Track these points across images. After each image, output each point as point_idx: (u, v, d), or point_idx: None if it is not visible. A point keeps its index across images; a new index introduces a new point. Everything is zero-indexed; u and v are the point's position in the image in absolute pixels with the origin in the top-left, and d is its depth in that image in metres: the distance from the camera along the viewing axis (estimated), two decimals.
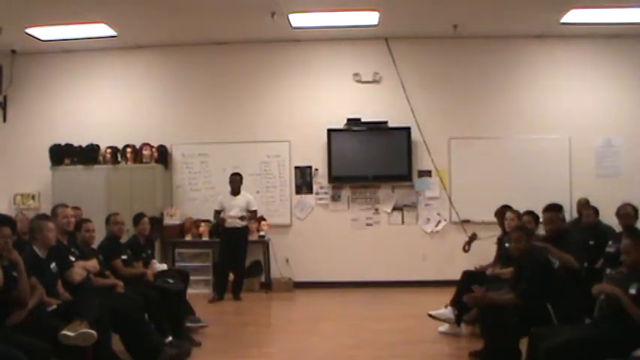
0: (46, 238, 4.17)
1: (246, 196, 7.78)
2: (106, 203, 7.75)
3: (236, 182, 7.76)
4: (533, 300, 4.19)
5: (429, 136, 8.32)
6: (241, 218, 7.63)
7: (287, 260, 8.36)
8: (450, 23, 7.72)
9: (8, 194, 8.56)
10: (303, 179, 8.50)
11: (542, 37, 8.24)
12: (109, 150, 8.29)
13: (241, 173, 7.89)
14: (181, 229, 8.28)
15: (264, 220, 8.27)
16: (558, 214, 5.07)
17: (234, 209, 7.65)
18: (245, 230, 7.77)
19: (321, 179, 8.46)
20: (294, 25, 7.65)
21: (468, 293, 4.86)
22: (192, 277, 6.77)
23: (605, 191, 7.57)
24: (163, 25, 7.65)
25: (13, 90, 8.67)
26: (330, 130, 8.28)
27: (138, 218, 5.89)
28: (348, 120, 8.29)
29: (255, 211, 7.83)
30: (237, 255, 7.73)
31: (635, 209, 5.63)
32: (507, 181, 8.07)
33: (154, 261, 6.03)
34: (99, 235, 5.40)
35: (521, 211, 5.82)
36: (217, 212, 7.78)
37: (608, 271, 4.75)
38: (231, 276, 7.75)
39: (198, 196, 8.49)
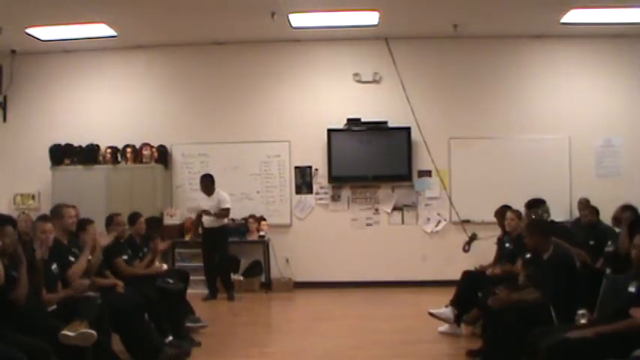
0: (40, 239, 4.15)
1: (218, 195, 7.70)
2: (106, 203, 7.74)
3: (203, 185, 7.73)
4: (561, 300, 4.17)
5: (429, 136, 8.32)
6: (205, 212, 7.58)
7: (287, 260, 8.36)
8: (450, 23, 7.72)
9: (8, 194, 8.56)
10: (303, 179, 8.50)
11: (542, 37, 8.24)
12: (109, 150, 8.30)
13: (212, 174, 7.79)
14: (181, 229, 8.28)
15: (264, 220, 8.28)
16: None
17: (209, 209, 7.64)
18: (221, 230, 7.70)
19: (321, 179, 8.46)
20: (294, 25, 7.64)
21: (493, 296, 4.70)
22: (192, 277, 6.75)
23: (605, 191, 7.57)
24: (163, 25, 7.65)
25: (13, 90, 8.67)
26: (330, 130, 8.28)
27: (134, 218, 5.89)
28: (348, 120, 8.29)
29: (226, 209, 7.69)
30: (216, 255, 7.69)
31: (628, 209, 5.57)
32: (507, 181, 8.07)
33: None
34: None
35: (522, 211, 5.84)
36: (198, 214, 7.79)
37: (608, 271, 4.76)
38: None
39: (198, 196, 8.44)
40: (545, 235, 4.47)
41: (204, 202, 7.71)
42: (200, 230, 7.94)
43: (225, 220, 7.79)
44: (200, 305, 6.36)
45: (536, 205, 5.60)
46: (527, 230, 4.69)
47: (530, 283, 4.64)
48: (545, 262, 4.41)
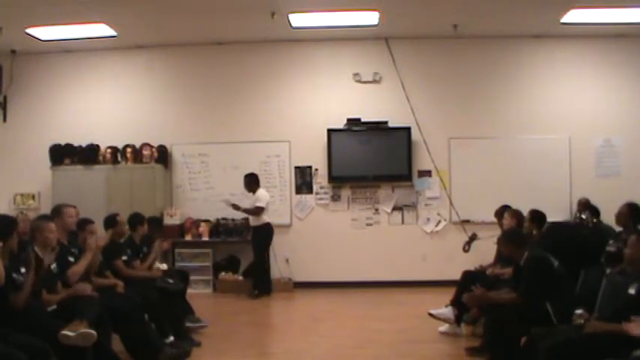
0: (47, 239, 4.17)
1: (256, 194, 7.87)
2: (106, 203, 7.72)
3: (245, 184, 7.92)
4: (534, 299, 4.21)
5: (429, 136, 8.32)
6: (234, 206, 7.76)
7: (287, 260, 8.35)
8: (450, 23, 7.72)
9: (8, 194, 8.56)
10: (303, 179, 8.50)
11: (542, 37, 8.24)
12: (109, 150, 8.29)
13: (256, 173, 8.02)
14: (181, 229, 8.29)
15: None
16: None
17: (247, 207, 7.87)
18: (260, 228, 7.84)
19: (321, 179, 8.46)
20: (294, 25, 7.64)
21: (468, 293, 4.89)
22: (192, 277, 6.79)
23: (605, 191, 7.57)
24: (163, 25, 7.65)
25: (13, 90, 8.66)
26: (330, 130, 8.28)
27: (138, 221, 5.88)
28: (348, 120, 8.29)
29: (258, 207, 7.81)
30: (254, 252, 7.93)
31: (631, 208, 5.57)
32: (507, 181, 8.08)
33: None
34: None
35: (524, 211, 5.85)
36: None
37: (608, 270, 4.75)
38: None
39: (198, 196, 8.49)
40: (518, 245, 4.59)
41: (246, 200, 7.92)
42: None
43: (266, 219, 7.87)
44: (200, 305, 6.35)
45: (587, 207, 6.16)
46: (503, 239, 4.84)
47: (509, 284, 4.72)
48: (522, 266, 4.50)
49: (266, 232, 7.91)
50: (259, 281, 7.87)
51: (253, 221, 7.89)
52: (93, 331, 3.74)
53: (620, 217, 5.54)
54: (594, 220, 6.30)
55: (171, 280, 5.60)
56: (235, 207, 7.81)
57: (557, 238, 5.29)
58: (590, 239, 5.75)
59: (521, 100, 8.36)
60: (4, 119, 8.70)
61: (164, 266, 6.23)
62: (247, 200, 7.93)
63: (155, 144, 8.36)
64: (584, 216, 6.58)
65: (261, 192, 7.91)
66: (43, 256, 4.11)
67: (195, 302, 6.07)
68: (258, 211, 7.81)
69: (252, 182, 7.92)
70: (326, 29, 7.94)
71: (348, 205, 8.46)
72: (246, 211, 7.84)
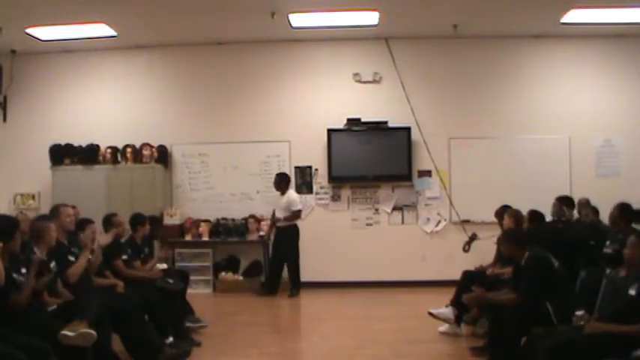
0: (52, 239, 4.18)
1: (288, 196, 7.92)
2: (106, 203, 7.71)
3: (275, 183, 7.98)
4: (535, 299, 4.21)
5: (429, 136, 8.32)
6: (276, 220, 7.91)
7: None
8: (450, 23, 7.72)
9: (8, 194, 8.55)
10: (303, 179, 8.51)
11: (542, 37, 8.24)
12: (109, 150, 8.29)
13: (287, 173, 8.13)
14: (181, 229, 8.29)
15: (264, 220, 8.28)
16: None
17: (278, 209, 7.92)
18: (289, 229, 7.90)
19: (321, 179, 8.46)
20: (294, 25, 7.65)
21: (468, 293, 4.89)
22: (192, 277, 6.79)
23: (605, 191, 7.55)
24: (163, 25, 7.65)
25: (13, 90, 8.66)
26: (330, 130, 8.28)
27: (140, 221, 5.88)
28: (348, 120, 8.29)
29: (297, 211, 7.90)
30: (285, 253, 7.91)
31: (622, 209, 5.56)
32: (507, 181, 8.08)
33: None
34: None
35: (524, 211, 5.84)
36: (273, 211, 8.05)
37: (608, 271, 4.75)
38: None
39: (198, 196, 8.49)
40: (518, 245, 4.57)
41: (277, 201, 7.98)
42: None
43: (295, 220, 7.98)
44: (200, 305, 6.35)
45: (565, 202, 6.18)
46: (503, 239, 4.84)
47: (509, 285, 4.72)
48: (522, 266, 4.50)
49: (295, 233, 7.97)
50: (297, 279, 7.94)
51: (282, 222, 7.91)
52: (93, 331, 3.74)
53: (612, 219, 5.53)
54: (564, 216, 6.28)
55: (171, 280, 5.60)
56: (277, 220, 7.92)
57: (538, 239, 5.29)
58: (565, 235, 5.76)
59: (521, 100, 8.36)
60: (4, 119, 8.70)
61: (164, 266, 6.22)
62: (278, 200, 7.96)
63: (155, 144, 8.36)
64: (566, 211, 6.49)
65: (292, 194, 7.98)
66: (42, 256, 4.11)
67: (195, 302, 6.07)
68: (298, 215, 7.94)
69: (282, 182, 7.95)
70: (326, 29, 7.94)
71: (348, 205, 8.46)
72: (286, 219, 7.88)
